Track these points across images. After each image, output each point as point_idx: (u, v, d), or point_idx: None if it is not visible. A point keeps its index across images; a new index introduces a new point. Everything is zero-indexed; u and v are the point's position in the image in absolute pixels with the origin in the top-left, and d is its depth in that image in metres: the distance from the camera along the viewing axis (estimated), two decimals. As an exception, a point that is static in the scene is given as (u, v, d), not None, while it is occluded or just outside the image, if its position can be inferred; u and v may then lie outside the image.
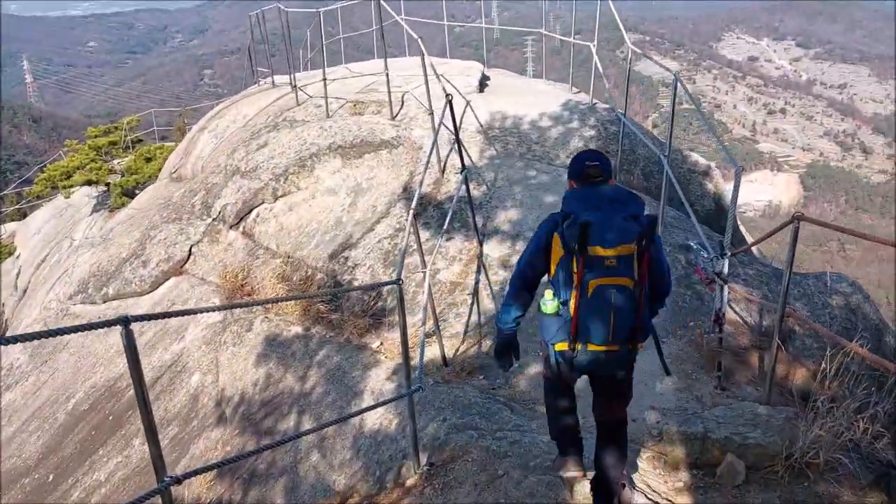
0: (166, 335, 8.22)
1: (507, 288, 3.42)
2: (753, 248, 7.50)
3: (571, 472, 3.34)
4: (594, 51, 8.59)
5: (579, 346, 2.99)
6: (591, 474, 3.35)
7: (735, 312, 5.70)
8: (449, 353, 5.67)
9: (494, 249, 6.56)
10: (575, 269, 2.91)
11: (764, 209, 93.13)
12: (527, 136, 8.19)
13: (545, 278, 3.16)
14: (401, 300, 3.90)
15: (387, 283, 4.30)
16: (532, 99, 9.17)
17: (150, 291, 9.15)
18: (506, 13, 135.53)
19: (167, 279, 9.23)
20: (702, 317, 5.65)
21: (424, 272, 5.11)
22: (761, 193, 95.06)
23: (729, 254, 4.99)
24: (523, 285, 3.20)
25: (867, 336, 6.13)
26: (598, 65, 8.58)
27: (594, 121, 8.40)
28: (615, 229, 2.87)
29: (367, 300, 6.82)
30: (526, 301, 3.23)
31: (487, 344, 5.69)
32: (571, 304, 2.94)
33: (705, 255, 5.92)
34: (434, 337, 5.90)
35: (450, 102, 5.97)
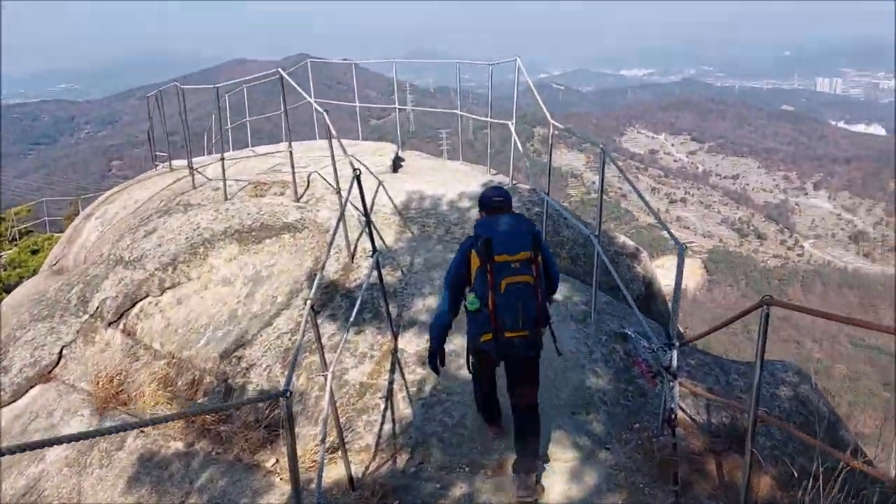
0: (24, 454, 6.84)
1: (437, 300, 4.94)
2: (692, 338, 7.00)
3: (496, 431, 4.68)
4: (513, 129, 8.21)
5: (500, 336, 3.88)
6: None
7: (682, 410, 5.05)
8: (357, 471, 4.71)
9: (411, 343, 5.74)
10: (489, 274, 3.86)
11: (673, 293, 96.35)
12: (445, 217, 7.57)
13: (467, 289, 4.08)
14: (289, 418, 3.01)
15: (271, 397, 3.39)
16: (450, 178, 8.63)
17: (11, 402, 7.76)
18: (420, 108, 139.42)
19: (32, 387, 7.87)
20: (647, 416, 4.97)
21: (325, 375, 4.22)
22: (668, 278, 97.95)
23: (677, 344, 4.37)
24: (451, 291, 4.17)
25: (822, 432, 5.60)
26: (518, 144, 8.19)
27: (516, 201, 7.89)
28: (515, 242, 3.91)
29: (262, 408, 5.80)
30: (454, 304, 4.21)
31: (404, 458, 4.77)
32: (489, 300, 3.86)
33: (646, 345, 5.31)
34: (339, 452, 4.96)
35: (357, 178, 5.27)
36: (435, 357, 4.34)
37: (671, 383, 4.28)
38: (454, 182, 8.41)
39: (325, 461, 4.72)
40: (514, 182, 8.55)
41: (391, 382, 5.44)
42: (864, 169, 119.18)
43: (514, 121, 8.22)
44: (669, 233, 4.60)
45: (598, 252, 5.63)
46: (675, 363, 4.34)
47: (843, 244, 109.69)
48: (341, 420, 5.31)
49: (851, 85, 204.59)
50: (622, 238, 7.96)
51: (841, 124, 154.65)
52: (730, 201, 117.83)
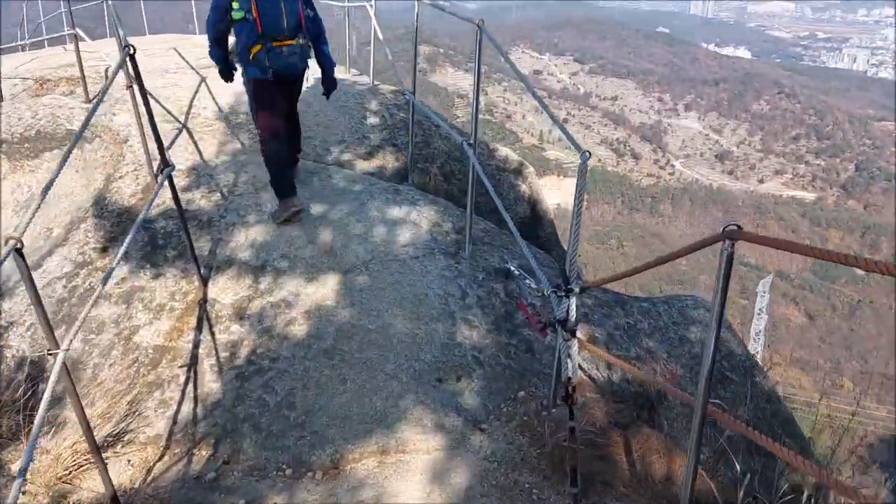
0: None
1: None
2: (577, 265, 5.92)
3: (295, 206, 4.70)
4: (373, 14, 6.59)
5: (268, 45, 4.34)
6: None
7: (580, 368, 3.94)
8: (135, 477, 3.29)
9: (226, 291, 4.25)
10: None
11: (554, 211, 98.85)
12: (285, 122, 5.97)
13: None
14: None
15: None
16: (296, 77, 6.95)
17: None
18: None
19: None
20: (535, 379, 3.81)
21: (56, 353, 2.70)
22: (551, 197, 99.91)
23: (578, 288, 3.16)
24: (215, 30, 4.57)
25: (736, 380, 4.71)
26: (378, 32, 6.60)
27: (377, 104, 6.40)
28: None
29: (21, 380, 4.18)
30: (221, 42, 4.66)
31: (204, 456, 3.38)
32: (252, 9, 4.28)
33: (532, 286, 4.11)
34: (117, 448, 3.51)
35: (131, 56, 3.56)
36: (225, 74, 4.84)
37: (568, 342, 3.09)
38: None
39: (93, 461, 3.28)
40: (375, 83, 6.99)
41: (196, 345, 3.96)
42: (731, 91, 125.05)
43: (373, 3, 6.59)
44: (570, 139, 3.33)
45: (472, 165, 4.31)
46: (573, 316, 3.14)
47: (709, 163, 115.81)
48: (126, 398, 3.83)
49: (722, 8, 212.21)
50: (504, 151, 6.69)
51: (712, 47, 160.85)
52: (609, 122, 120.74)
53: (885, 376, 67.13)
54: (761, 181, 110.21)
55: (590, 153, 3.16)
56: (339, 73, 7.88)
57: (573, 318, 3.15)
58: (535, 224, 6.34)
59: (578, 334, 3.27)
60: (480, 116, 4.47)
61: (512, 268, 4.44)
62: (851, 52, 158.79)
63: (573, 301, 3.14)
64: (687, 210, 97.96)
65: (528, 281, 4.14)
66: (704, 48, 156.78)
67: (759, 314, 45.59)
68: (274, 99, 4.59)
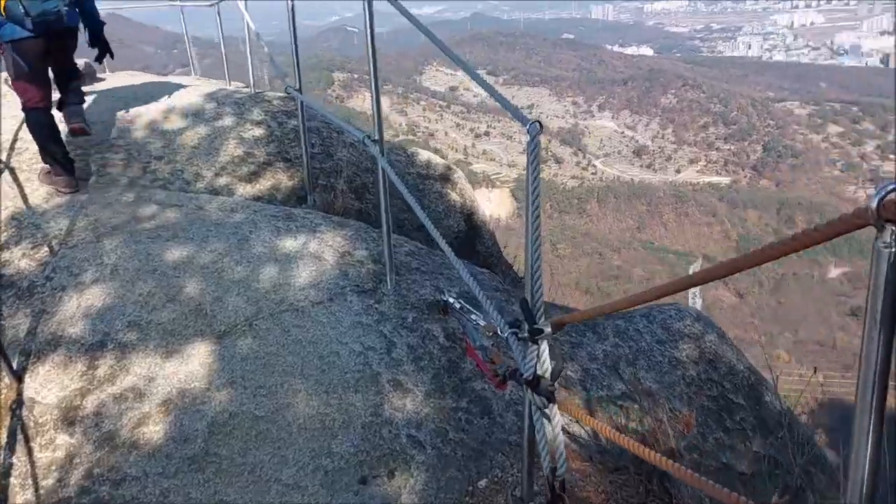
0: None
1: None
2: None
3: (65, 189, 4.14)
4: (246, 16, 5.43)
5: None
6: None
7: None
8: None
9: (50, 385, 2.97)
10: None
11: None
12: (143, 146, 4.71)
13: None
14: None
15: None
16: (158, 92, 5.67)
17: None
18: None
19: None
20: (499, 456, 2.70)
21: None
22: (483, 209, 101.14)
23: (549, 329, 2.08)
24: None
25: (743, 405, 3.73)
26: (250, 32, 5.46)
27: (261, 113, 5.22)
28: None
29: None
30: None
31: None
32: None
33: (481, 322, 3.02)
34: None
35: None
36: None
37: (544, 410, 1.99)
38: (164, 96, 5.49)
39: None
40: (256, 90, 5.80)
41: (6, 473, 2.69)
42: (639, 88, 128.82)
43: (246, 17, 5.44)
44: (516, 112, 2.26)
45: (381, 168, 3.20)
46: (546, 369, 2.06)
47: (628, 159, 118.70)
48: None
49: (621, 11, 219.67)
50: (426, 154, 5.61)
51: (616, 48, 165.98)
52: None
53: (817, 343, 69.66)
54: (678, 171, 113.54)
55: (540, 123, 2.11)
56: (198, 81, 6.71)
57: (548, 372, 2.06)
58: (472, 238, 5.27)
59: (564, 409, 2.17)
60: (403, 137, 3.36)
61: (451, 300, 3.32)
62: (745, 39, 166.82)
63: (544, 348, 2.06)
64: (613, 207, 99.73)
65: (473, 317, 3.04)
66: (609, 50, 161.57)
67: (693, 299, 46.11)
68: (38, 59, 3.92)
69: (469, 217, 5.29)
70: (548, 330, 2.07)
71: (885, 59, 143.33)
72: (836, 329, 72.60)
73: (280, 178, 4.60)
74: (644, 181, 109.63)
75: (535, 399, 2.02)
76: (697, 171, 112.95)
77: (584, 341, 3.62)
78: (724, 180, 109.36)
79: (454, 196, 5.30)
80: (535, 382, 2.03)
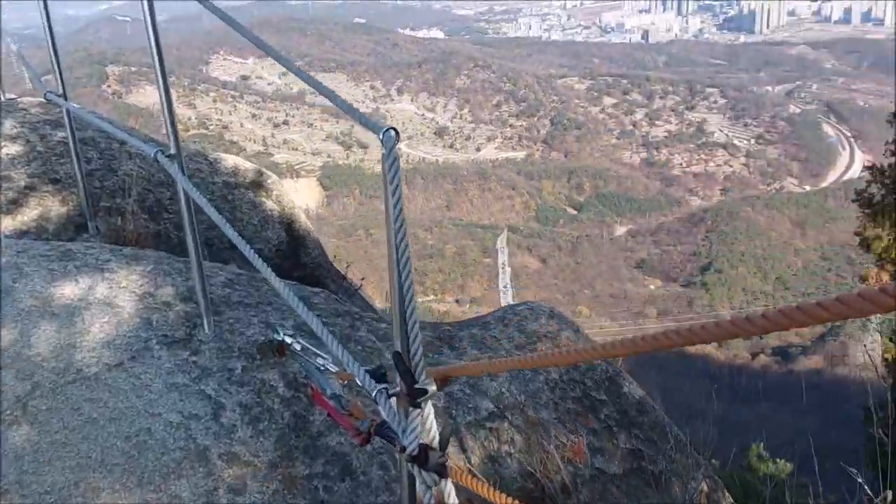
0: None
1: None
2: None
3: None
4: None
5: None
6: None
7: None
8: None
9: None
10: None
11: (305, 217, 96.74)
12: None
13: None
14: None
15: None
16: None
17: None
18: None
19: None
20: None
21: None
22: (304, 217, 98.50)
23: (432, 386, 1.67)
24: None
25: (606, 400, 3.60)
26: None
27: (14, 126, 4.20)
28: None
29: None
30: None
31: None
32: None
33: (331, 368, 2.53)
34: None
35: None
36: None
37: (435, 488, 1.58)
38: None
39: None
40: (7, 96, 4.71)
41: None
42: (434, 70, 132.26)
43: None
44: (364, 119, 1.77)
45: (180, 186, 2.57)
46: (433, 437, 1.64)
47: (431, 141, 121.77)
48: None
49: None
50: (232, 160, 4.91)
51: (408, 31, 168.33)
52: (329, 117, 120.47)
53: (611, 295, 76.73)
54: (478, 149, 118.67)
55: (396, 130, 1.67)
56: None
57: (436, 440, 1.65)
58: (295, 249, 4.71)
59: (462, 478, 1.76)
60: (194, 131, 2.70)
61: (287, 339, 2.78)
62: (525, 20, 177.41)
63: (429, 411, 1.65)
64: (421, 187, 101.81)
65: (320, 360, 2.53)
66: (402, 33, 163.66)
67: (502, 269, 48.53)
68: None
69: (290, 226, 4.71)
70: (432, 389, 1.66)
71: (644, 35, 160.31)
72: (626, 281, 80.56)
73: (49, 205, 3.71)
74: (448, 160, 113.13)
75: (424, 476, 1.60)
76: (496, 148, 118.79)
77: (442, 359, 3.27)
78: (520, 154, 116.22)
79: (270, 204, 4.68)
80: (422, 457, 1.60)
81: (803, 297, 69.35)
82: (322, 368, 2.50)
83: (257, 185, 4.73)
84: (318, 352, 2.61)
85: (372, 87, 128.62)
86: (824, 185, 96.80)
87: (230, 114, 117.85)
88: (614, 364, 3.77)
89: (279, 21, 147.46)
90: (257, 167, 4.97)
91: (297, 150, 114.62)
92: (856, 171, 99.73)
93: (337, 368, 2.42)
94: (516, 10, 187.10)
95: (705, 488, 3.70)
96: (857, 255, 76.59)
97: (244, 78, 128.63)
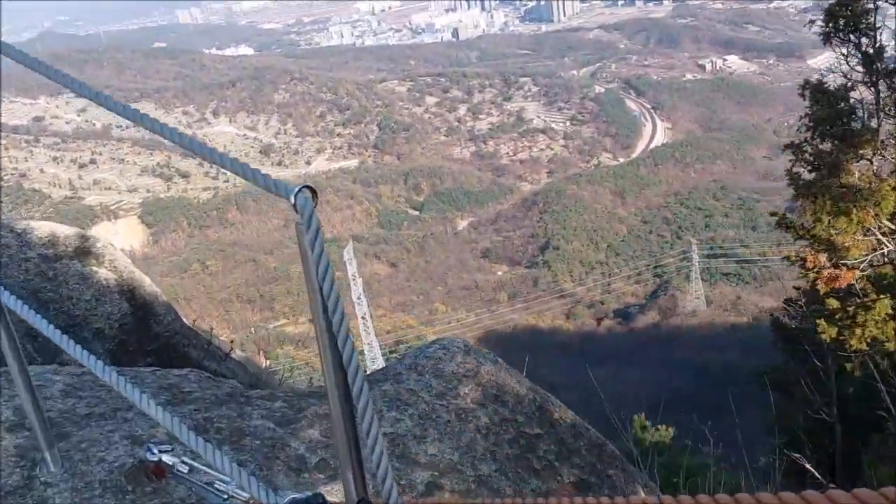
0: None
1: None
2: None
3: None
4: None
5: None
6: None
7: None
8: None
9: None
10: None
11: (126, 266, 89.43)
12: None
13: None
14: None
15: None
16: None
17: None
18: None
19: None
20: None
21: None
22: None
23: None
24: None
25: (543, 434, 3.26)
26: None
27: None
28: None
29: None
30: None
31: None
32: None
33: (226, 491, 1.93)
34: None
35: None
36: None
37: None
38: None
39: None
40: None
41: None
42: (249, 88, 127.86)
43: None
44: (269, 182, 1.23)
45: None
46: None
47: (257, 160, 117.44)
48: None
49: (210, 13, 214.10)
50: (47, 227, 4.01)
51: (214, 51, 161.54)
52: (142, 150, 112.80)
53: (463, 287, 78.65)
54: (308, 163, 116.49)
55: (313, 190, 1.17)
56: None
57: None
58: (144, 319, 3.93)
59: None
60: None
61: (166, 458, 2.12)
62: (336, 29, 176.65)
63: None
64: (254, 210, 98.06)
65: (218, 484, 1.91)
66: (208, 53, 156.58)
67: (353, 280, 47.96)
68: None
69: (132, 294, 3.93)
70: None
71: (455, 33, 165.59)
72: (475, 271, 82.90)
73: None
74: (278, 178, 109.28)
75: None
76: (327, 160, 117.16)
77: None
78: (353, 163, 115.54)
79: (104, 273, 3.87)
80: None
81: (632, 260, 75.20)
82: (225, 497, 1.90)
83: (84, 252, 3.90)
84: (213, 470, 2.00)
85: (185, 113, 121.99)
86: (635, 155, 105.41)
87: (26, 160, 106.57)
88: (539, 390, 3.45)
89: (70, 54, 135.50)
90: (80, 231, 4.11)
91: (110, 189, 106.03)
92: (659, 139, 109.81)
93: (246, 494, 1.83)
94: (325, 19, 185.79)
95: (643, 495, 3.51)
96: (671, 214, 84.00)
97: (38, 119, 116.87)
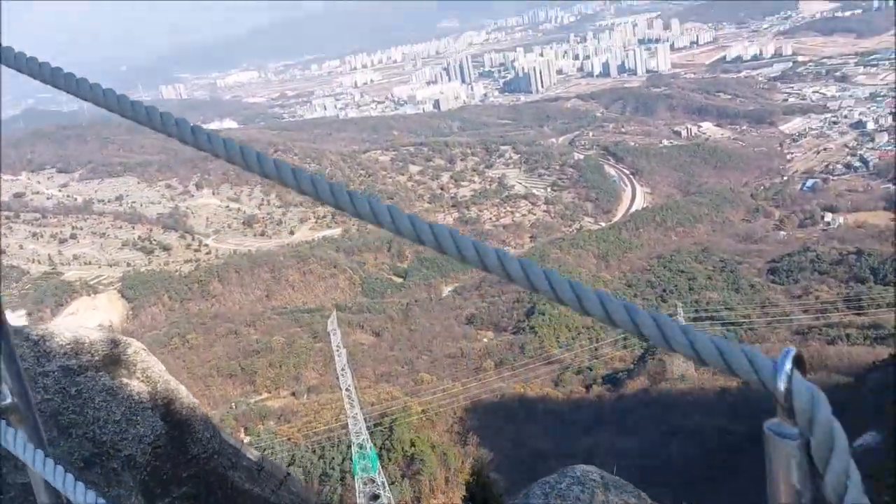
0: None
1: None
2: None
3: None
4: None
5: None
6: None
7: None
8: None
9: None
10: None
11: (108, 336, 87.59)
12: None
13: None
14: None
15: None
16: None
17: None
18: None
19: None
20: None
21: None
22: (88, 321, 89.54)
23: None
24: None
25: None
26: None
27: None
28: None
29: None
30: None
31: None
32: None
33: None
34: None
35: None
36: None
37: None
38: None
39: None
40: None
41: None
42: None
43: None
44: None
45: None
46: None
47: (240, 231, 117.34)
48: None
49: (193, 88, 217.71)
50: (69, 333, 3.64)
51: (198, 124, 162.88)
52: (123, 223, 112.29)
53: (449, 356, 77.46)
54: (292, 232, 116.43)
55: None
56: None
57: None
58: (180, 440, 3.49)
59: None
60: None
61: None
62: (320, 101, 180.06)
63: None
64: (237, 282, 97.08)
65: None
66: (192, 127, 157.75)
67: (337, 351, 47.06)
68: None
69: (167, 408, 3.44)
70: None
71: (436, 104, 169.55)
72: (460, 338, 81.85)
73: None
74: (262, 248, 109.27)
75: None
76: (310, 229, 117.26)
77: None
78: (336, 231, 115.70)
79: (136, 385, 3.45)
80: None
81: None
82: None
83: (113, 361, 3.46)
84: None
85: (168, 186, 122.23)
86: (616, 219, 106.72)
87: (6, 236, 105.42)
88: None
89: (53, 131, 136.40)
90: (109, 336, 3.73)
91: (90, 263, 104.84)
92: (639, 203, 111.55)
93: None
94: (308, 92, 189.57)
95: None
96: (654, 277, 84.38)
97: (18, 196, 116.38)
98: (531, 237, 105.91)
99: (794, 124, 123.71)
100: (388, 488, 40.65)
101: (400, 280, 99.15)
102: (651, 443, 49.18)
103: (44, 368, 3.43)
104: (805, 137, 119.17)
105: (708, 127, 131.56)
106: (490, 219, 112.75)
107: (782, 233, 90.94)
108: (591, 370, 69.42)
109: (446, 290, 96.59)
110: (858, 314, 63.51)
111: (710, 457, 44.38)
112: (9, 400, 1.43)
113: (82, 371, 3.46)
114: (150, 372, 3.65)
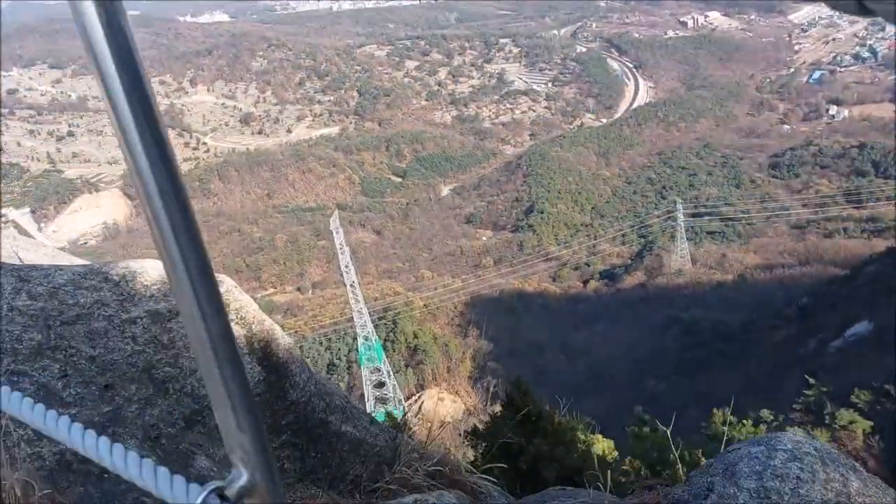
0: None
1: None
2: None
3: None
4: None
5: None
6: None
7: None
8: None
9: None
10: None
11: (103, 233, 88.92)
12: None
13: None
14: None
15: None
16: None
17: None
18: None
19: None
20: None
21: None
22: (93, 218, 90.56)
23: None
24: None
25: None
26: None
27: None
28: None
29: None
30: None
31: None
32: None
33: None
34: None
35: None
36: None
37: None
38: None
39: None
40: None
41: None
42: (226, 56, 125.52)
43: None
44: None
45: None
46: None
47: (237, 130, 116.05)
48: None
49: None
50: (153, 268, 3.49)
51: (189, 18, 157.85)
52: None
53: (448, 254, 79.04)
54: (289, 131, 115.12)
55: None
56: None
57: None
58: (279, 386, 3.50)
59: None
60: None
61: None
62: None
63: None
64: (237, 180, 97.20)
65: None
66: (183, 21, 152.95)
67: (341, 249, 48.09)
68: None
69: (265, 350, 3.53)
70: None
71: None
72: (459, 237, 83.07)
73: None
74: (260, 147, 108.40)
75: None
76: (307, 127, 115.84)
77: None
78: (334, 130, 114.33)
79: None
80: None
81: (617, 221, 75.91)
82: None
83: None
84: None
85: (162, 83, 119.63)
86: (618, 115, 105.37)
87: (2, 134, 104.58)
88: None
89: (41, 25, 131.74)
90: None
91: (90, 161, 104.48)
92: (642, 98, 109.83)
93: None
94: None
95: None
96: (655, 174, 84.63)
97: (11, 92, 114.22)
98: (531, 135, 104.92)
99: (804, 13, 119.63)
100: (392, 376, 42.88)
101: (399, 179, 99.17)
102: (647, 334, 51.32)
103: (129, 315, 3.15)
104: (814, 27, 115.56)
105: (715, 16, 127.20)
106: (489, 116, 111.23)
107: (786, 127, 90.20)
108: (588, 266, 70.95)
109: (445, 190, 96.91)
110: (857, 208, 64.33)
111: (705, 346, 46.46)
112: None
113: (173, 316, 3.22)
114: (243, 312, 3.59)
